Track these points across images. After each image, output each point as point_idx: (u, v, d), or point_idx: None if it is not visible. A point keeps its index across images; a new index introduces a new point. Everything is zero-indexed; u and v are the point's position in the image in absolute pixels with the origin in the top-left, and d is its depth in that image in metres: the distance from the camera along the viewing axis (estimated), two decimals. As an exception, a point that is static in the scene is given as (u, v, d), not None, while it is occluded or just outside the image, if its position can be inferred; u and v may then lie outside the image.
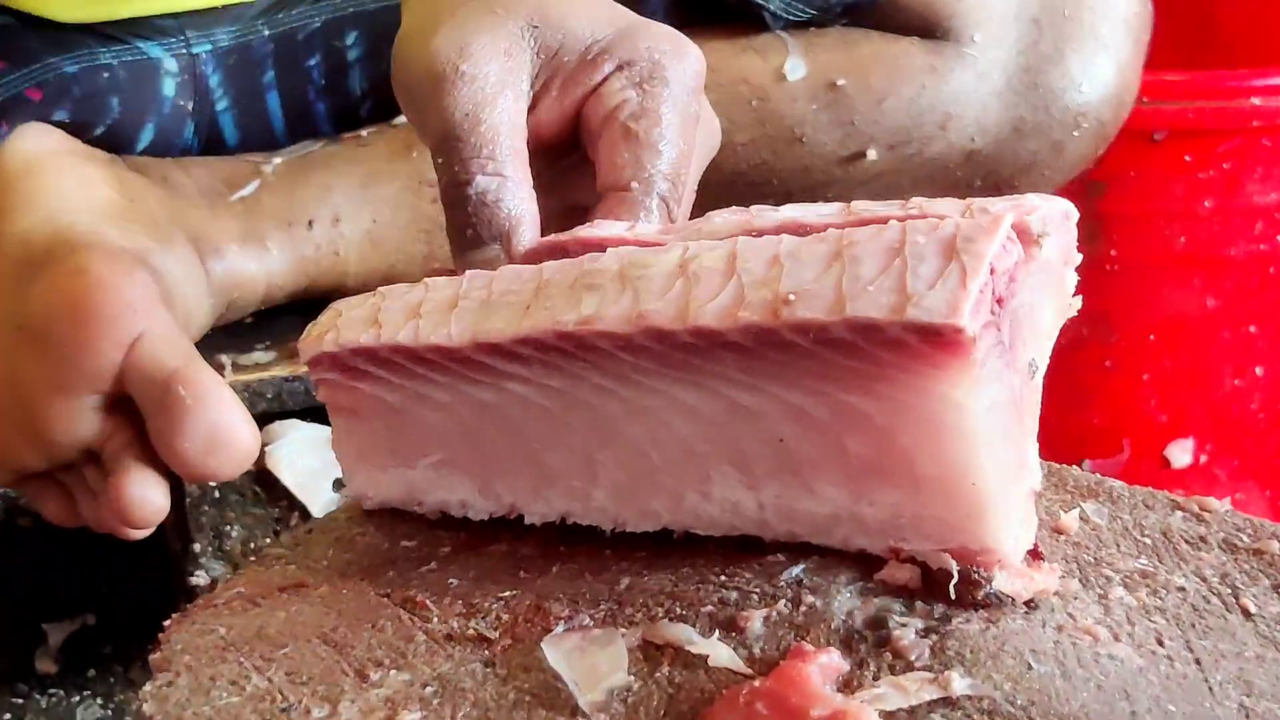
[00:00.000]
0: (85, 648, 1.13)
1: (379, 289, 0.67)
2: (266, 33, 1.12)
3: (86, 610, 1.12)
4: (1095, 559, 0.65)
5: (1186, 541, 0.67)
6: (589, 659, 0.58)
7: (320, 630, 0.61)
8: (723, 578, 0.61)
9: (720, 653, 0.57)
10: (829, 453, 0.57)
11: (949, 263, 0.53)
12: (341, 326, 0.65)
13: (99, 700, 1.13)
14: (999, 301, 0.55)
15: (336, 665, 0.59)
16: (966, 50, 1.16)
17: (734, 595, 0.60)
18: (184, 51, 1.10)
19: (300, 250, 1.09)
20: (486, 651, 0.59)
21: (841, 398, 0.55)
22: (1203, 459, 1.51)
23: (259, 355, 1.06)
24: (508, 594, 0.62)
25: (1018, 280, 0.56)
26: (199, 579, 1.04)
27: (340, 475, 1.04)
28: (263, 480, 1.04)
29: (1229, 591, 0.63)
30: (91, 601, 1.12)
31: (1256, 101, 1.37)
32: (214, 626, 0.62)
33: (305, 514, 1.04)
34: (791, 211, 0.63)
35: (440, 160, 0.71)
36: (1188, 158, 1.40)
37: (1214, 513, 0.69)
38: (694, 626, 0.59)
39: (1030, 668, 0.57)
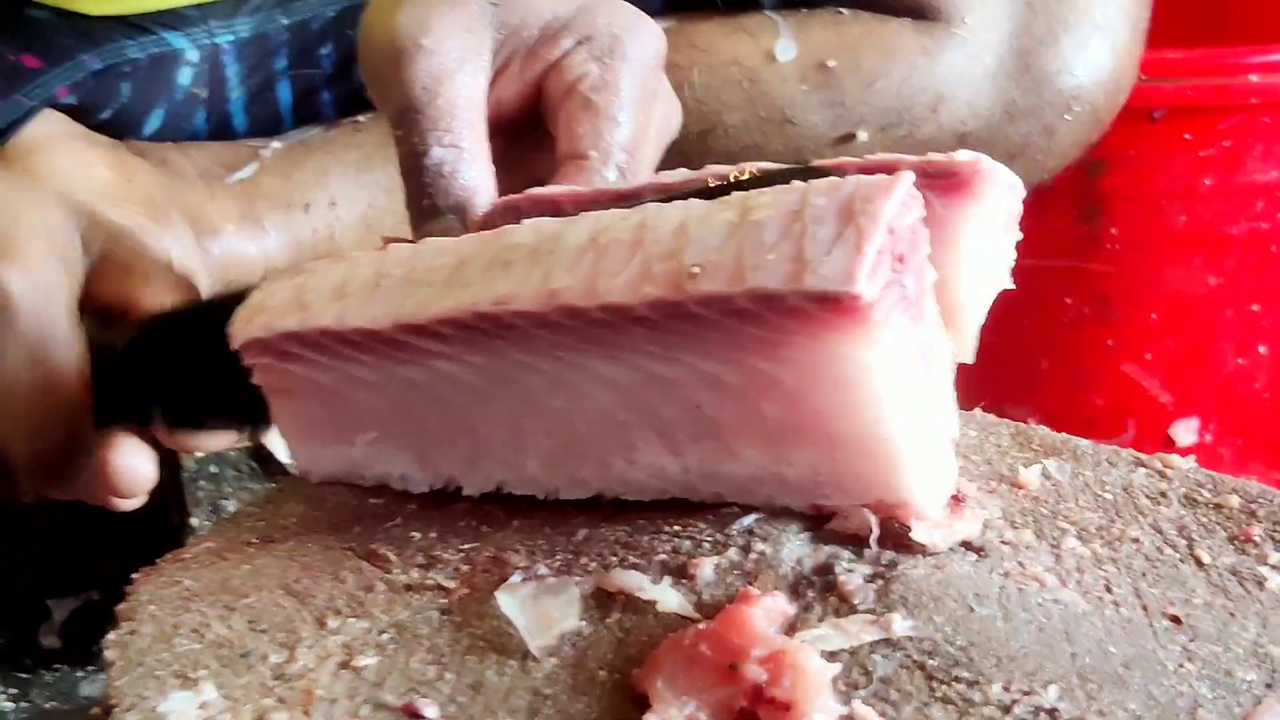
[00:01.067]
0: (88, 623, 1.15)
1: (305, 264, 0.67)
2: (284, 22, 1.14)
3: (89, 587, 1.14)
4: (1053, 512, 0.66)
5: (1147, 497, 0.68)
6: (541, 606, 0.59)
7: (283, 581, 0.62)
8: (676, 527, 0.62)
9: (669, 598, 0.58)
10: (745, 417, 0.58)
11: (846, 226, 0.54)
12: (269, 310, 0.65)
13: (102, 675, 1.15)
14: (900, 259, 0.56)
15: (297, 614, 0.60)
16: (958, 32, 1.16)
17: (686, 544, 0.61)
18: (206, 41, 1.12)
19: (297, 233, 1.11)
20: (444, 600, 0.60)
21: (752, 364, 0.56)
22: (1208, 438, 1.51)
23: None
24: (468, 547, 0.63)
25: (919, 235, 0.57)
26: (196, 552, 1.06)
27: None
28: (258, 455, 1.05)
29: (1184, 543, 0.64)
30: (94, 579, 1.14)
31: (1255, 79, 1.37)
32: (180, 579, 0.63)
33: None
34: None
35: (399, 133, 0.73)
36: (1187, 136, 1.40)
37: (1176, 469, 0.70)
38: (646, 574, 0.60)
39: (972, 610, 0.58)
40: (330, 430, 0.67)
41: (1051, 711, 0.53)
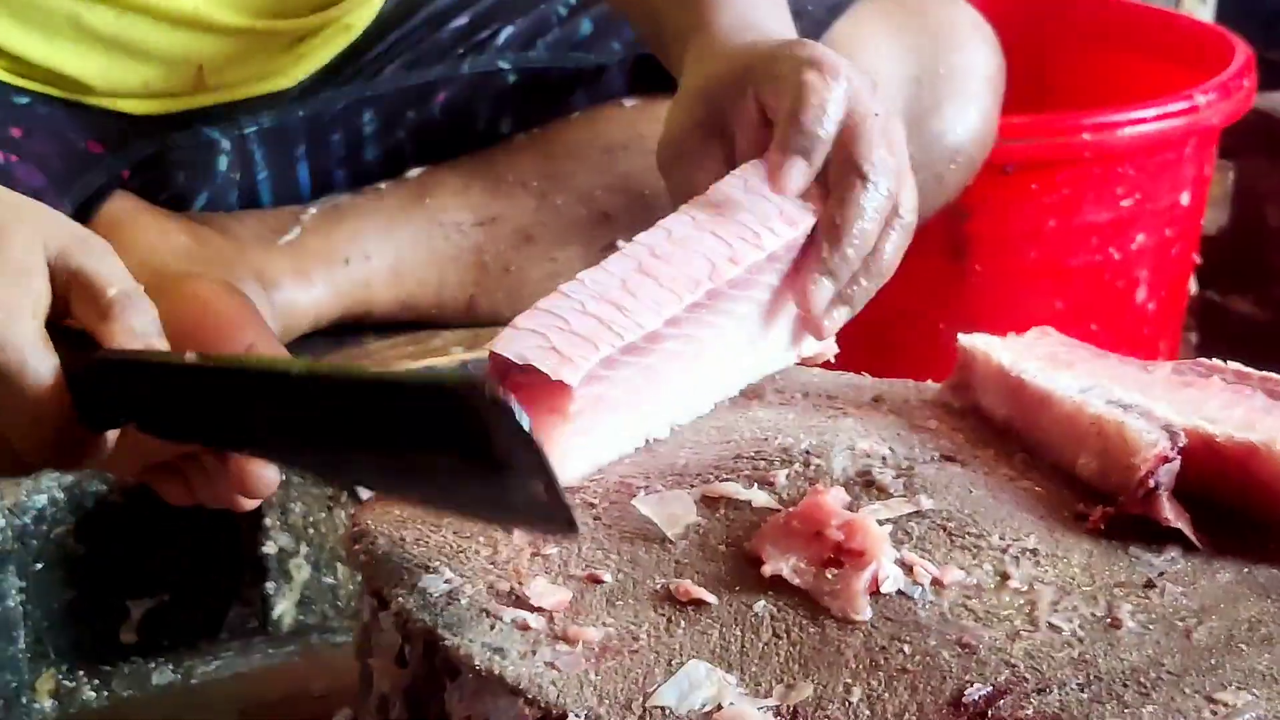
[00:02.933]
0: (161, 621, 1.34)
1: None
2: (300, 114, 1.36)
3: (163, 589, 1.34)
4: (1002, 447, 0.92)
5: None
6: (668, 507, 0.83)
7: (469, 507, 0.85)
8: (753, 453, 0.87)
9: (759, 497, 0.83)
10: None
11: None
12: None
13: (170, 666, 1.35)
14: None
15: (486, 526, 0.83)
16: None
17: (762, 463, 0.86)
18: (236, 132, 1.34)
19: (339, 283, 1.33)
20: (594, 510, 0.84)
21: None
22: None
23: (303, 368, 1.30)
24: (598, 477, 0.87)
25: None
26: (269, 548, 1.28)
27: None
28: (319, 464, 1.27)
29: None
30: (167, 582, 1.33)
31: (1087, 137, 1.66)
32: (389, 510, 0.86)
33: (354, 493, 1.27)
34: None
35: None
36: (1034, 185, 1.68)
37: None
38: (739, 484, 0.84)
39: (971, 492, 0.84)
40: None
41: (1034, 550, 0.79)
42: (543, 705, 0.70)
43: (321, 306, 1.33)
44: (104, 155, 1.31)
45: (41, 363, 0.80)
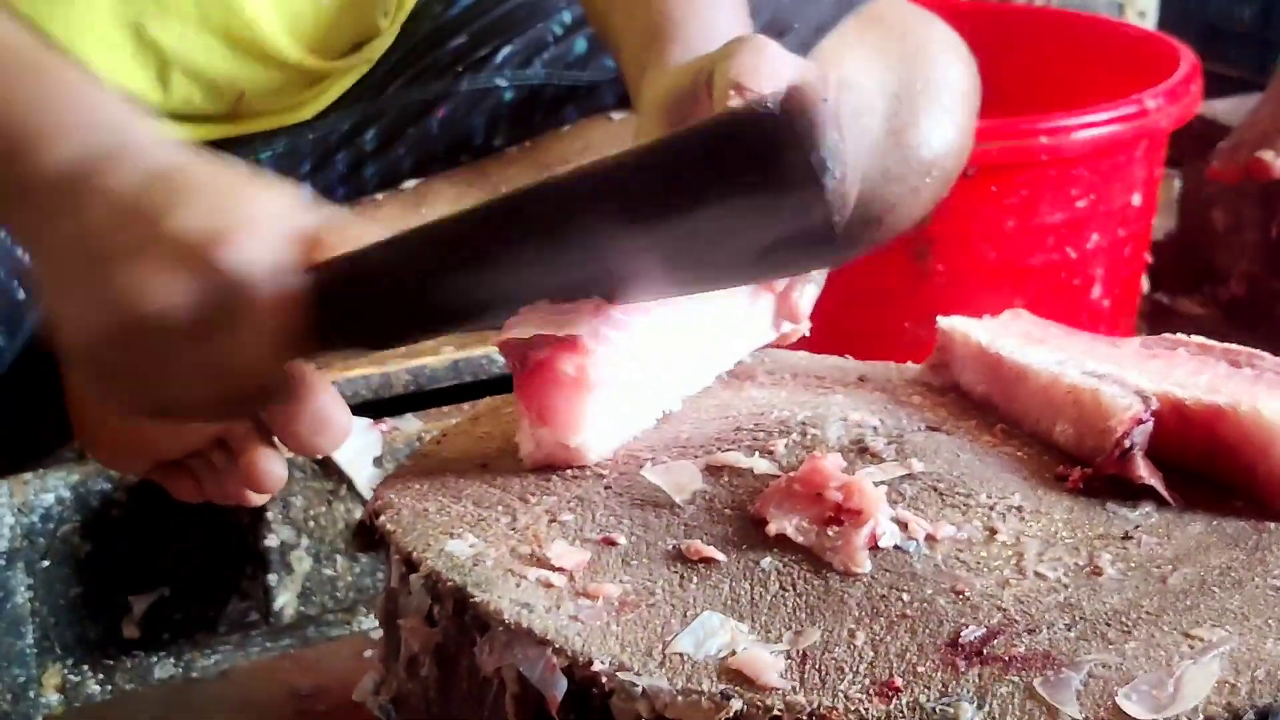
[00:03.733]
0: (162, 616, 1.38)
1: None
2: (310, 137, 1.41)
3: (164, 584, 1.38)
4: (983, 419, 0.98)
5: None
6: (675, 476, 0.89)
7: (485, 478, 0.90)
8: (752, 425, 0.93)
9: (760, 464, 0.89)
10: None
11: None
12: None
13: (171, 660, 1.39)
14: None
15: (504, 496, 0.88)
16: None
17: (762, 434, 0.92)
18: (251, 159, 1.38)
19: None
20: (604, 480, 0.89)
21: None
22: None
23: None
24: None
25: None
26: (271, 541, 1.33)
27: (379, 454, 1.33)
28: (319, 460, 1.32)
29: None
30: (167, 577, 1.37)
31: (1044, 140, 1.73)
32: (411, 484, 0.91)
33: (352, 487, 1.32)
34: None
35: None
36: (993, 188, 1.75)
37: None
38: (740, 453, 0.90)
39: (958, 456, 0.89)
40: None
41: (1019, 508, 0.85)
42: (569, 654, 0.76)
43: None
44: None
45: (286, 280, 0.86)
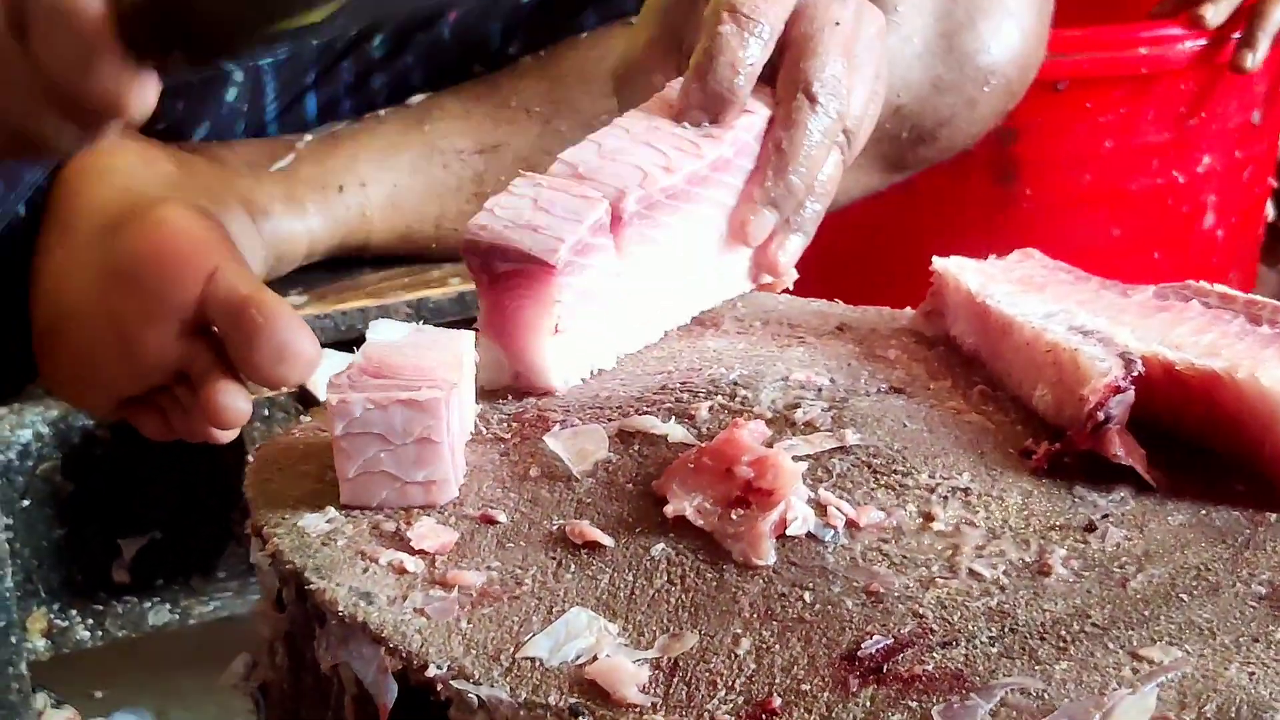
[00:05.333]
0: (154, 560, 1.31)
1: None
2: (314, 42, 1.31)
3: (154, 527, 1.30)
4: (966, 378, 0.85)
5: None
6: (579, 443, 0.77)
7: (375, 442, 0.80)
8: (678, 384, 0.81)
9: (676, 431, 0.77)
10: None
11: None
12: None
13: (167, 605, 1.32)
14: None
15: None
16: (891, 18, 1.33)
17: (686, 395, 0.80)
18: (251, 64, 1.29)
19: (334, 212, 1.28)
20: (501, 447, 0.78)
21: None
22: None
23: (294, 299, 1.25)
24: (514, 409, 0.81)
25: None
26: (254, 485, 1.24)
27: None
28: (303, 399, 1.23)
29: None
30: (159, 519, 1.30)
31: (1145, 51, 1.56)
32: (290, 448, 0.81)
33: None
34: None
35: None
36: (1088, 104, 1.59)
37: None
38: (657, 417, 0.78)
39: (905, 426, 0.77)
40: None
41: (966, 490, 0.72)
42: (404, 654, 0.65)
43: (316, 236, 1.28)
44: None
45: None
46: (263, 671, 0.79)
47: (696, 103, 0.86)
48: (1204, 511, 0.72)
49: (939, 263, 0.90)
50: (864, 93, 0.89)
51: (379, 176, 1.29)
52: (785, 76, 0.88)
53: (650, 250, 0.85)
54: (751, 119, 0.87)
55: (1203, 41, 1.58)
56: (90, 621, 1.32)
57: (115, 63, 0.86)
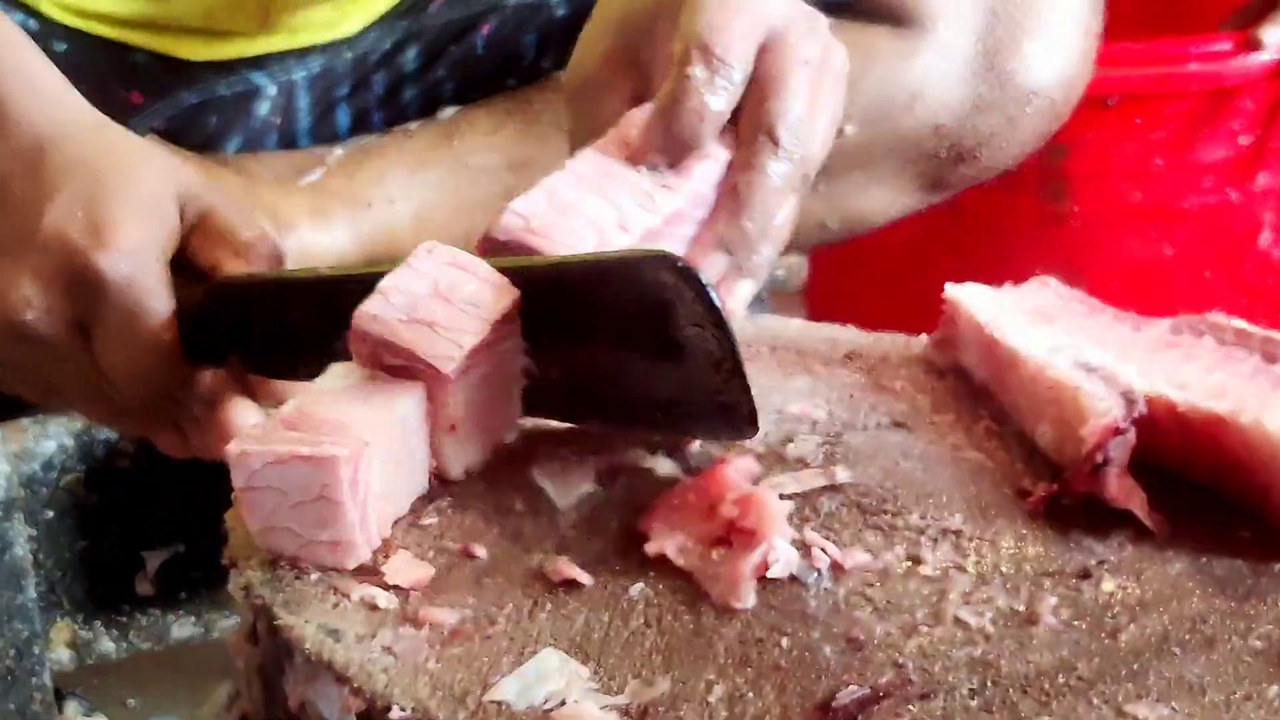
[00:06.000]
0: (178, 573, 1.31)
1: None
2: (348, 55, 1.30)
3: (178, 540, 1.30)
4: (973, 411, 0.82)
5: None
6: (566, 476, 0.75)
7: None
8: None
9: (664, 465, 0.75)
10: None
11: None
12: None
13: (191, 618, 1.31)
14: None
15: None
16: (931, 36, 1.31)
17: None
18: (284, 78, 1.28)
19: (361, 228, 1.27)
20: (489, 477, 0.77)
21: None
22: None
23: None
24: (508, 441, 0.80)
25: None
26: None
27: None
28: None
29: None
30: (182, 532, 1.30)
31: (1196, 67, 1.53)
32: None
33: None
34: None
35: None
36: (1138, 120, 1.55)
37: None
38: (646, 451, 0.76)
39: (898, 464, 0.74)
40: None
41: (958, 532, 0.70)
42: (368, 695, 0.64)
43: (342, 251, 1.27)
44: (145, 105, 1.26)
45: (161, 303, 0.88)
46: (244, 702, 0.77)
47: (657, 146, 0.82)
48: (1205, 559, 0.69)
49: (951, 290, 0.88)
50: (823, 136, 0.85)
51: (407, 192, 1.27)
52: (748, 116, 0.83)
53: None
54: (709, 168, 0.83)
55: (1260, 59, 1.54)
56: (114, 633, 1.32)
57: (177, 368, 0.90)
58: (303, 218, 1.24)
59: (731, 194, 0.82)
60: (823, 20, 0.89)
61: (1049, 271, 1.53)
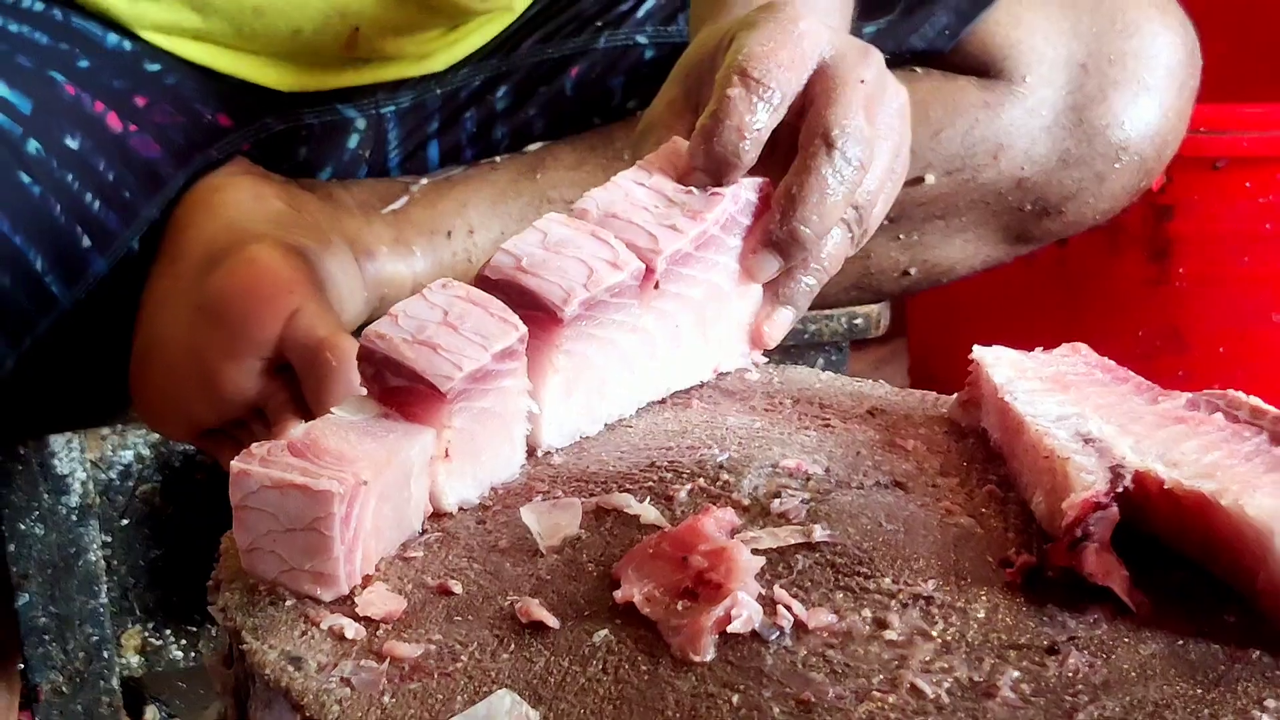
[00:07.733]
0: (249, 586, 1.33)
1: None
2: (439, 91, 1.33)
3: (249, 554, 1.32)
4: (982, 475, 0.81)
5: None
6: (553, 517, 0.76)
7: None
8: (667, 463, 0.79)
9: (649, 513, 0.75)
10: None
11: None
12: None
13: (259, 633, 1.34)
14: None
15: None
16: (1018, 89, 1.29)
17: (670, 475, 0.78)
18: (373, 112, 1.31)
19: (440, 256, 1.29)
20: (481, 514, 0.77)
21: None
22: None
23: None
24: (505, 479, 0.80)
25: None
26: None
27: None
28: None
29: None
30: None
31: (1310, 131, 1.49)
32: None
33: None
34: None
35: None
36: (1248, 184, 1.52)
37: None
38: (635, 497, 0.76)
39: (881, 525, 0.73)
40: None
41: (929, 598, 0.69)
42: (319, 725, 0.64)
43: (421, 280, 1.28)
44: (233, 129, 1.29)
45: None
46: (234, 722, 0.79)
47: (700, 164, 0.84)
48: (1181, 642, 0.67)
49: (978, 351, 0.86)
50: (883, 164, 0.86)
51: (488, 223, 1.29)
52: (807, 126, 0.85)
53: (601, 346, 0.83)
54: (740, 193, 0.86)
55: (1375, 123, 1.50)
56: (184, 642, 1.34)
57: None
58: (383, 246, 1.26)
59: (785, 196, 0.84)
60: (877, 54, 0.89)
61: (1152, 333, 1.51)
